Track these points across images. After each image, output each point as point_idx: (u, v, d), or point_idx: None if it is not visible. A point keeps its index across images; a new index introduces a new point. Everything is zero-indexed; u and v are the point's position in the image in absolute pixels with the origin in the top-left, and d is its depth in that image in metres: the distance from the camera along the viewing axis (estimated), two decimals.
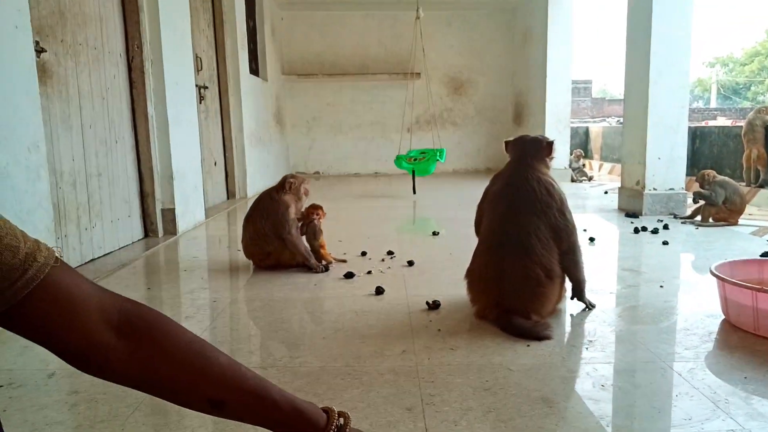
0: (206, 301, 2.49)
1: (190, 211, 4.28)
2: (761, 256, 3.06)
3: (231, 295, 2.63)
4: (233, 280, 2.91)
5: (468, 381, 1.63)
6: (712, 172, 4.22)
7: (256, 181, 6.57)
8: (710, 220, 4.18)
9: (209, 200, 5.27)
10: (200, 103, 5.02)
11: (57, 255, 0.69)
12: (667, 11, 4.41)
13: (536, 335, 1.92)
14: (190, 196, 4.30)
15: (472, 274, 2.21)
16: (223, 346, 1.95)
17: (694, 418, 1.41)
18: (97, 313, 0.70)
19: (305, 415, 0.82)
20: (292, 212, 2.95)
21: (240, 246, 3.14)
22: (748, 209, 4.38)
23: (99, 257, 3.28)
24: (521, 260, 2.02)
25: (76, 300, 0.68)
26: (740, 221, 4.18)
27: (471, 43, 9.00)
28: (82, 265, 3.10)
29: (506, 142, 2.44)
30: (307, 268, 2.95)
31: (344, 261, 3.13)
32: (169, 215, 3.99)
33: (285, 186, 2.98)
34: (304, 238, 3.01)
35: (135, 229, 3.76)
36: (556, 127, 7.50)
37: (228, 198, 5.97)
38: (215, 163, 5.60)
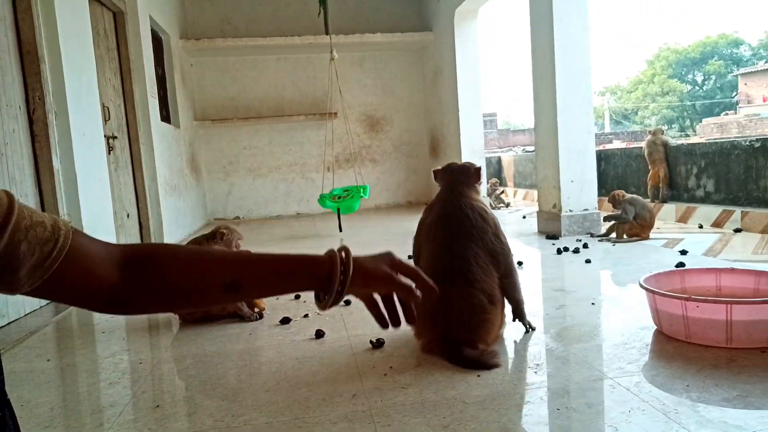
0: (131, 364, 2.30)
1: None
2: (676, 266, 3.25)
3: (158, 355, 2.44)
4: (158, 337, 2.72)
5: (425, 420, 1.58)
6: (622, 192, 4.48)
7: (173, 231, 6.28)
8: (624, 236, 4.41)
9: None
10: (109, 153, 4.77)
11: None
12: (568, 44, 4.72)
13: (486, 364, 1.91)
14: None
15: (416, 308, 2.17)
16: (155, 411, 1.79)
17: None
18: (108, 260, 0.78)
19: (313, 257, 0.87)
20: None
21: None
22: (656, 223, 4.67)
23: (1, 327, 2.97)
24: (465, 289, 2.01)
25: (93, 255, 0.77)
26: (651, 235, 4.45)
27: (384, 82, 9.21)
28: None
29: (435, 172, 2.45)
30: (239, 317, 2.81)
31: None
32: None
33: (216, 236, 2.85)
34: None
35: None
36: (472, 158, 7.73)
37: None
38: (128, 215, 5.30)
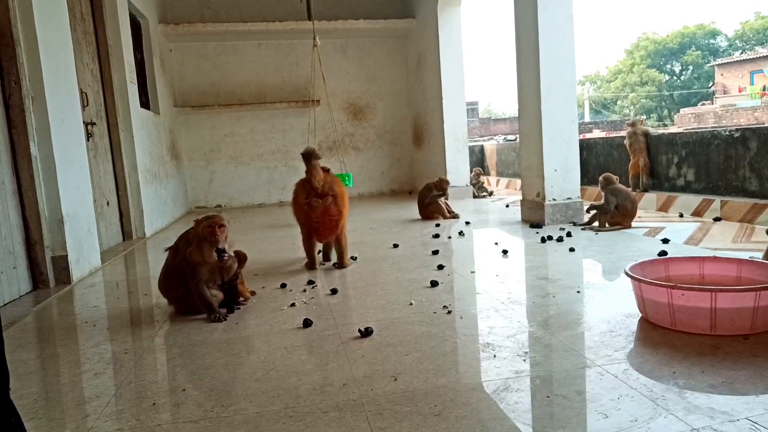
0: (116, 354, 2.26)
1: (84, 256, 3.93)
2: (658, 255, 3.29)
3: (144, 344, 2.41)
4: (144, 327, 2.68)
5: (417, 408, 1.58)
6: (611, 176, 4.54)
7: (154, 219, 6.19)
8: (606, 225, 4.45)
9: (104, 243, 4.88)
10: (88, 140, 4.67)
11: None
12: (552, 32, 4.72)
13: None
14: (84, 240, 3.95)
15: None
16: (144, 401, 1.77)
17: (639, 419, 1.45)
18: None
19: None
20: (195, 257, 2.72)
21: (145, 291, 2.91)
22: (638, 212, 4.72)
23: None
24: None
25: None
26: (633, 224, 4.50)
27: (367, 69, 9.14)
28: None
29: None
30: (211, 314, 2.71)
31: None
32: (61, 263, 3.64)
33: (189, 237, 2.79)
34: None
35: (22, 281, 3.38)
36: (455, 147, 7.75)
37: (124, 239, 5.56)
38: (107, 203, 5.21)
